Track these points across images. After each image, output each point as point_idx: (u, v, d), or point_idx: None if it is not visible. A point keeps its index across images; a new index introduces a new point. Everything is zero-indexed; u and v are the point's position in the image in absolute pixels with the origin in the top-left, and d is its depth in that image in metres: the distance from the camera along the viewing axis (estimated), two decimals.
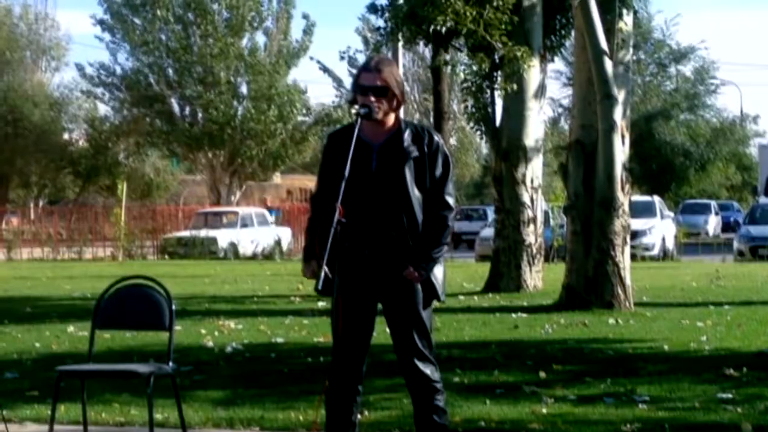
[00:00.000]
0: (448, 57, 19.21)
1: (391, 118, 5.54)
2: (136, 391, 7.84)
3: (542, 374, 8.86)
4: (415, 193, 5.46)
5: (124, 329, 8.09)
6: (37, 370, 9.48)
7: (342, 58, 44.27)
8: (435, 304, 5.61)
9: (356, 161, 5.35)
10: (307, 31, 43.90)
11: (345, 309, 5.44)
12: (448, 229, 5.52)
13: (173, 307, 6.64)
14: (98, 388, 8.10)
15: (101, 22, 42.76)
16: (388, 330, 5.64)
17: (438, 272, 5.53)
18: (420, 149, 5.48)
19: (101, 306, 6.75)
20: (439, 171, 5.51)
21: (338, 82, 47.74)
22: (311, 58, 48.19)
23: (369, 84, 5.44)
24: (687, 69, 56.62)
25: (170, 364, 6.57)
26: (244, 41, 43.47)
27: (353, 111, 5.48)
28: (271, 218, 36.56)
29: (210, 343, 11.18)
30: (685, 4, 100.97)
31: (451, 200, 5.54)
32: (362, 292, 5.49)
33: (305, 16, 43.99)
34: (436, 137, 5.57)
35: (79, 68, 44.71)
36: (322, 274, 5.22)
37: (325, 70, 45.17)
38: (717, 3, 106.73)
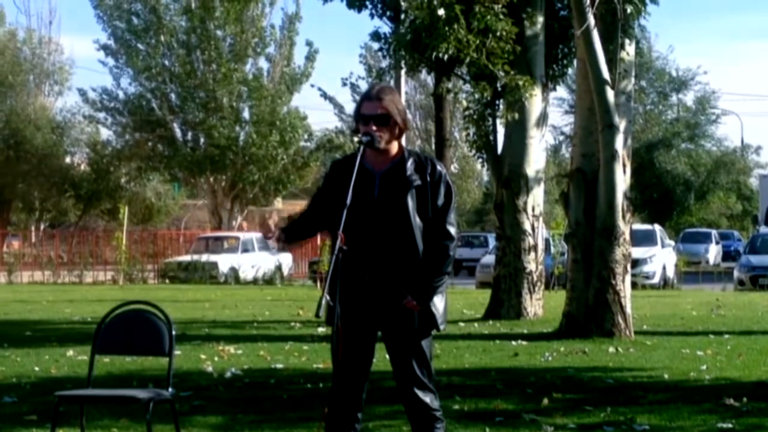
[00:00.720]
0: (450, 85, 19.27)
1: (394, 147, 5.56)
2: (135, 416, 7.83)
3: (542, 402, 8.85)
4: (417, 222, 5.46)
5: (124, 354, 8.09)
6: (36, 395, 9.47)
7: (344, 84, 44.38)
8: (435, 331, 5.61)
9: (359, 189, 5.36)
10: (310, 57, 44.04)
11: (345, 336, 5.44)
12: (450, 258, 5.52)
13: (173, 332, 6.64)
14: (97, 413, 8.09)
15: (104, 47, 42.92)
16: (387, 357, 5.64)
17: (439, 302, 5.52)
18: (422, 178, 5.49)
19: (101, 331, 6.75)
20: (441, 200, 5.52)
21: (339, 109, 47.86)
22: (312, 86, 48.23)
23: (371, 113, 5.46)
24: (688, 98, 56.85)
25: (170, 389, 6.56)
26: (248, 67, 43.61)
27: (356, 140, 5.50)
28: None
29: (209, 368, 11.17)
30: (686, 34, 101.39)
31: (453, 230, 5.54)
32: (362, 319, 5.49)
33: (308, 43, 44.13)
34: (439, 167, 5.57)
35: (82, 93, 44.87)
36: (323, 301, 5.22)
37: (326, 97, 45.23)
38: (716, 33, 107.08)
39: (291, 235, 5.65)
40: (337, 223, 5.28)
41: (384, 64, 19.09)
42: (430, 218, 5.48)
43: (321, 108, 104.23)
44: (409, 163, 5.52)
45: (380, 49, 18.45)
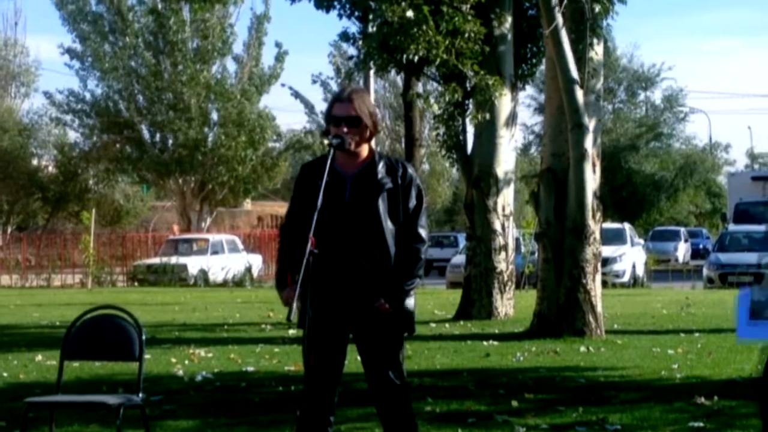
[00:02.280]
0: (420, 87, 19.24)
1: (364, 149, 5.54)
2: (105, 421, 7.77)
3: (514, 403, 8.84)
4: (389, 225, 5.45)
5: (93, 359, 8.01)
6: (5, 401, 9.37)
7: (314, 81, 44.45)
8: (406, 333, 5.60)
9: (329, 192, 5.33)
10: (279, 58, 43.96)
11: (317, 339, 5.41)
12: (421, 261, 5.51)
13: (143, 336, 6.59)
14: (67, 418, 8.02)
15: (69, 51, 42.59)
16: (359, 359, 5.62)
17: (409, 304, 5.52)
18: (394, 181, 5.48)
19: (70, 336, 6.69)
20: (412, 203, 5.51)
21: (310, 108, 47.80)
22: (283, 85, 48.19)
23: (342, 114, 5.44)
24: (656, 97, 57.12)
25: (140, 394, 6.51)
26: (215, 68, 43.45)
27: (326, 142, 5.47)
28: None
29: (180, 372, 11.10)
30: (653, 32, 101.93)
31: (424, 233, 5.54)
32: (334, 322, 5.47)
33: (278, 45, 44.07)
34: (410, 169, 5.57)
35: (48, 96, 44.57)
36: (294, 305, 5.19)
37: (297, 96, 45.20)
38: (683, 31, 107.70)
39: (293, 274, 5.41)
40: (308, 226, 5.24)
41: (352, 64, 19.02)
42: (401, 221, 5.47)
43: (291, 109, 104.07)
44: (380, 166, 5.51)
45: (350, 57, 18.40)
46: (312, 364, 5.40)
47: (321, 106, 47.02)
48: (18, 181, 46.52)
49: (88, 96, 43.75)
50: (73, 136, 47.05)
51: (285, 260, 5.53)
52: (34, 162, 49.11)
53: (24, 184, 46.72)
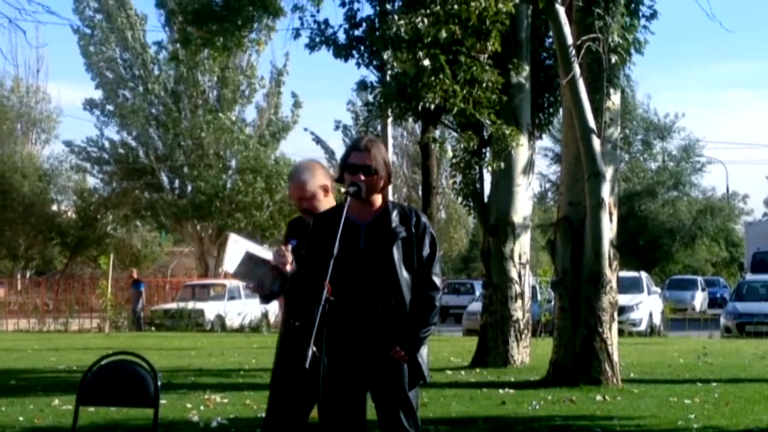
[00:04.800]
0: (437, 134, 19.32)
1: (378, 199, 5.59)
2: None
3: None
4: (404, 274, 5.48)
5: (109, 405, 8.03)
6: None
7: (336, 128, 44.68)
8: (421, 382, 5.61)
9: (344, 240, 5.37)
10: (296, 105, 44.35)
11: (333, 387, 5.43)
12: (436, 309, 5.54)
13: (158, 382, 6.62)
14: None
15: (90, 102, 42.94)
16: (372, 405, 5.62)
17: (424, 353, 5.54)
18: (408, 230, 5.52)
19: (86, 381, 6.71)
20: (426, 251, 5.54)
21: (330, 154, 48.00)
22: (305, 129, 48.56)
23: (358, 163, 5.49)
24: (672, 146, 57.10)
25: None
26: (234, 115, 43.76)
27: (342, 190, 5.52)
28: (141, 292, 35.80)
29: (195, 418, 11.10)
30: (670, 84, 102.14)
31: (438, 281, 5.57)
32: (350, 370, 5.48)
33: (293, 95, 44.54)
34: (423, 218, 5.61)
35: (68, 144, 44.91)
36: (310, 352, 5.21)
37: (318, 141, 45.46)
38: (700, 82, 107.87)
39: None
40: (324, 274, 5.28)
41: (368, 112, 19.15)
42: (415, 270, 5.50)
43: (311, 154, 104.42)
44: (394, 215, 5.55)
45: (367, 104, 18.52)
46: (329, 411, 5.42)
47: (341, 152, 47.23)
48: (37, 226, 46.78)
49: (107, 143, 44.08)
50: (92, 181, 47.39)
51: (301, 315, 5.54)
52: (54, 207, 49.39)
53: (43, 230, 46.97)
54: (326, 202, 6.18)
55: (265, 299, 6.01)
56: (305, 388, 5.97)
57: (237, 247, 5.87)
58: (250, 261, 5.81)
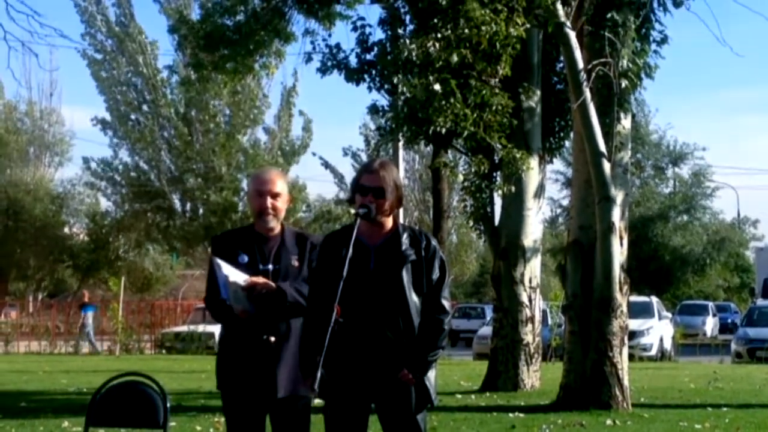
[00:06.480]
0: (449, 157, 19.36)
1: (389, 221, 5.60)
2: None
3: None
4: (413, 297, 5.49)
5: (118, 426, 8.03)
6: None
7: (345, 154, 44.85)
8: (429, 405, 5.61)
9: (354, 262, 5.38)
10: (306, 128, 44.35)
11: (340, 409, 5.45)
12: (444, 332, 5.54)
13: (168, 404, 6.64)
14: None
15: (102, 122, 43.08)
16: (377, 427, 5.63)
17: (431, 375, 5.55)
18: (417, 253, 5.54)
19: (95, 403, 6.74)
20: (436, 275, 5.55)
21: (340, 179, 48.09)
22: (314, 154, 48.52)
23: (370, 185, 5.51)
24: (684, 172, 57.11)
25: None
26: (245, 138, 43.85)
27: (352, 211, 5.54)
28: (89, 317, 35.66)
29: None
30: (681, 109, 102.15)
31: (447, 304, 5.57)
32: (356, 392, 5.49)
33: (302, 113, 44.44)
34: (433, 241, 5.62)
35: (85, 161, 45.00)
36: (319, 374, 5.23)
37: (326, 166, 45.51)
38: (711, 108, 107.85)
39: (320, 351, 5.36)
40: (333, 296, 5.30)
41: (380, 135, 19.21)
42: (425, 293, 5.52)
43: (319, 179, 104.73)
44: (404, 238, 5.56)
45: (378, 129, 18.55)
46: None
47: (351, 177, 47.24)
48: (49, 248, 46.89)
49: (119, 165, 44.18)
50: (104, 204, 47.50)
51: (312, 345, 5.41)
52: (66, 230, 49.52)
53: (54, 252, 47.08)
54: (283, 211, 6.11)
55: (245, 319, 5.98)
56: (255, 402, 5.98)
57: (222, 274, 5.89)
58: (236, 288, 5.84)
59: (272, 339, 5.84)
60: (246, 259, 5.93)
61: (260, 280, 5.82)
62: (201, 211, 43.54)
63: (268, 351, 5.84)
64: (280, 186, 6.12)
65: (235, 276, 5.82)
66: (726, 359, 28.58)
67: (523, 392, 16.87)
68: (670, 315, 35.84)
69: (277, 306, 5.80)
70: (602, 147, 13.99)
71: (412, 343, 5.46)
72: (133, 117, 42.82)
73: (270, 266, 5.94)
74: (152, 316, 38.26)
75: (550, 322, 26.09)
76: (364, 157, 43.75)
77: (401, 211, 5.89)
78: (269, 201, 6.03)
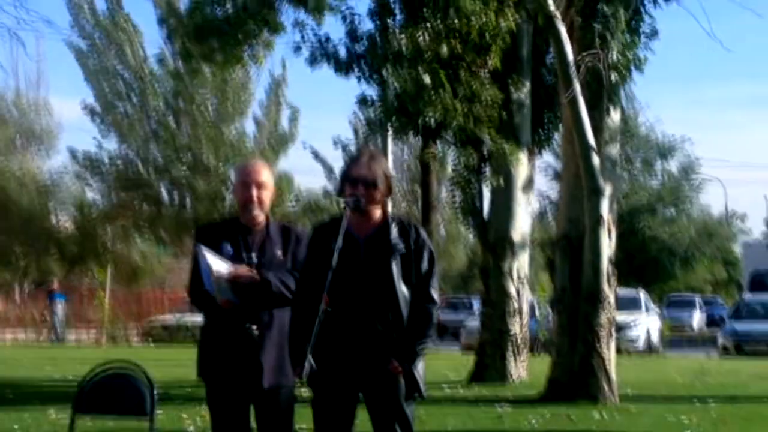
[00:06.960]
0: (438, 148, 19.32)
1: (378, 212, 5.57)
2: None
3: None
4: (402, 289, 5.46)
5: (105, 414, 8.01)
6: None
7: (335, 144, 44.73)
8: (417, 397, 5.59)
9: (343, 253, 5.36)
10: (293, 118, 44.18)
11: (327, 399, 5.43)
12: (433, 322, 5.53)
13: (155, 392, 6.61)
14: None
15: (91, 110, 42.92)
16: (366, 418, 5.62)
17: (419, 367, 5.53)
18: (407, 244, 5.51)
19: (82, 391, 6.71)
20: (425, 266, 5.53)
21: (329, 170, 47.99)
22: (303, 143, 48.42)
23: (359, 175, 5.48)
24: (672, 165, 57.17)
25: None
26: (233, 128, 43.72)
27: (341, 201, 5.50)
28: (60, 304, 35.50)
29: (191, 429, 11.11)
30: (670, 102, 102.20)
31: (436, 295, 5.56)
32: (344, 382, 5.47)
33: (290, 106, 44.29)
34: (422, 233, 5.60)
35: (72, 152, 44.82)
36: (307, 364, 5.21)
37: (316, 156, 45.46)
38: (700, 101, 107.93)
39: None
40: (322, 286, 5.28)
41: (369, 127, 19.16)
42: (414, 284, 5.49)
43: (307, 171, 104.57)
44: (393, 229, 5.53)
45: (367, 120, 18.49)
46: (323, 423, 5.42)
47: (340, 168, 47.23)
48: (35, 238, 46.72)
49: (106, 156, 44.02)
50: (91, 195, 47.31)
51: (301, 336, 5.36)
52: (53, 220, 49.35)
53: (41, 242, 46.91)
54: (269, 202, 6.06)
55: (228, 309, 5.92)
56: (239, 392, 5.96)
57: (206, 263, 5.84)
58: (219, 278, 5.78)
59: (255, 328, 5.80)
60: (230, 249, 5.89)
61: (244, 270, 5.78)
62: (188, 201, 43.44)
63: (251, 341, 5.81)
64: (266, 177, 6.09)
65: (219, 266, 5.77)
66: (713, 353, 28.64)
67: (510, 384, 16.89)
68: (657, 308, 35.89)
69: (262, 296, 5.77)
70: (591, 140, 13.99)
71: (400, 334, 5.44)
72: (120, 107, 42.68)
73: (254, 257, 5.90)
74: (138, 306, 38.17)
75: (538, 315, 26.09)
76: (353, 148, 43.70)
77: (389, 202, 5.86)
78: (254, 192, 5.99)
